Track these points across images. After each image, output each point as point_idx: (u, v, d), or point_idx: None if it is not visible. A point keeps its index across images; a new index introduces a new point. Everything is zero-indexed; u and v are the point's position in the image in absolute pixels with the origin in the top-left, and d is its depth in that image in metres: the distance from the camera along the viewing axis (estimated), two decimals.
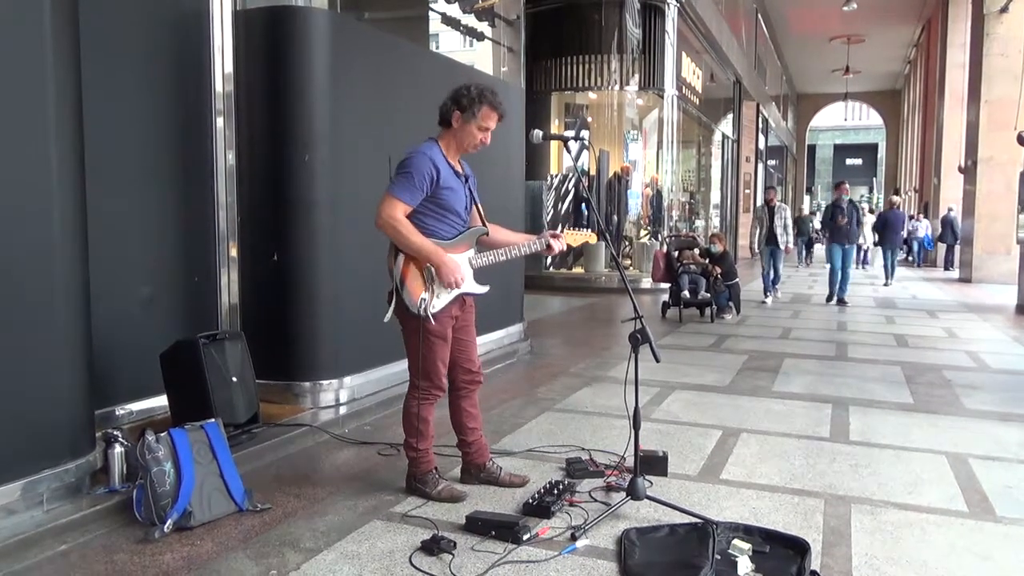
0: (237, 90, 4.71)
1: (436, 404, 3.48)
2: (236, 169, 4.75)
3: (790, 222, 11.65)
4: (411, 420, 3.43)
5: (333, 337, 4.83)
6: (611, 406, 5.15)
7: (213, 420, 3.50)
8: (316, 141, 4.67)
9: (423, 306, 3.29)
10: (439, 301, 3.34)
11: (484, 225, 3.51)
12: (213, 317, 4.70)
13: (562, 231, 3.60)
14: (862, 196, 43.88)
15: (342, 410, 4.78)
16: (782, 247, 11.47)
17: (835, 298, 11.60)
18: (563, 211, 14.30)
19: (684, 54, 15.40)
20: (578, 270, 14.31)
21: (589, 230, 3.63)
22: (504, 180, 6.67)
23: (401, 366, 5.11)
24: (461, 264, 3.36)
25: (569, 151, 3.57)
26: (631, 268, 14.42)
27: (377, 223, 3.24)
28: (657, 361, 3.23)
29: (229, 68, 4.69)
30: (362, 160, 4.96)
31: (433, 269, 3.28)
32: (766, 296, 11.79)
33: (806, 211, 24.69)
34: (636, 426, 3.31)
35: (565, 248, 3.59)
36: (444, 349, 3.41)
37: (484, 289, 3.51)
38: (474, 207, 3.48)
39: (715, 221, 20.95)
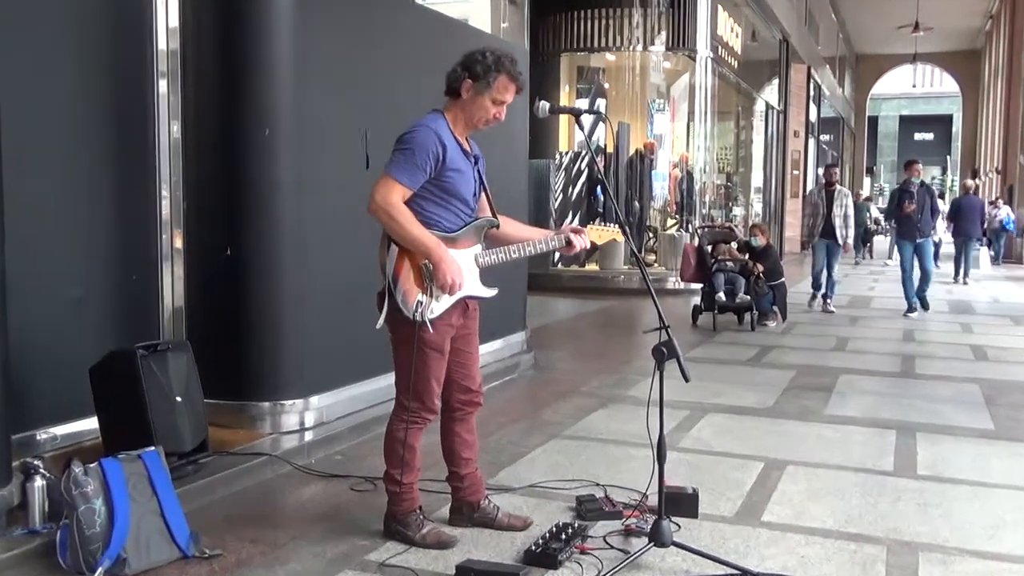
0: (184, 48, 4.71)
1: (426, 430, 3.48)
2: (182, 143, 4.75)
3: (851, 211, 11.21)
4: (395, 447, 3.43)
5: (298, 348, 4.83)
6: (631, 432, 5.15)
7: (153, 448, 3.50)
8: (278, 110, 4.68)
9: (419, 310, 3.30)
10: (438, 305, 3.35)
11: (494, 216, 3.52)
12: (154, 323, 4.70)
13: (588, 227, 3.61)
14: (933, 178, 43.90)
15: (308, 436, 4.78)
16: (840, 240, 11.02)
17: (914, 307, 11.13)
18: (574, 196, 14.34)
19: (720, 7, 15.44)
20: (592, 267, 14.35)
21: (615, 226, 3.63)
22: (504, 159, 6.67)
23: (380, 382, 5.15)
24: (465, 263, 3.38)
25: (581, 127, 3.57)
26: (656, 265, 14.46)
27: (369, 208, 3.25)
28: (686, 380, 3.22)
29: (174, 21, 4.69)
30: (332, 134, 4.96)
31: (431, 266, 3.29)
32: (811, 303, 11.57)
33: (863, 195, 24.65)
34: (661, 457, 3.31)
35: (588, 246, 3.60)
36: (440, 364, 3.42)
37: (491, 292, 3.52)
38: (483, 194, 3.50)
39: (757, 208, 21.00)
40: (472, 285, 3.43)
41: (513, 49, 7.16)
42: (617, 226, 3.63)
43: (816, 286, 11.48)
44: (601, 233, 3.64)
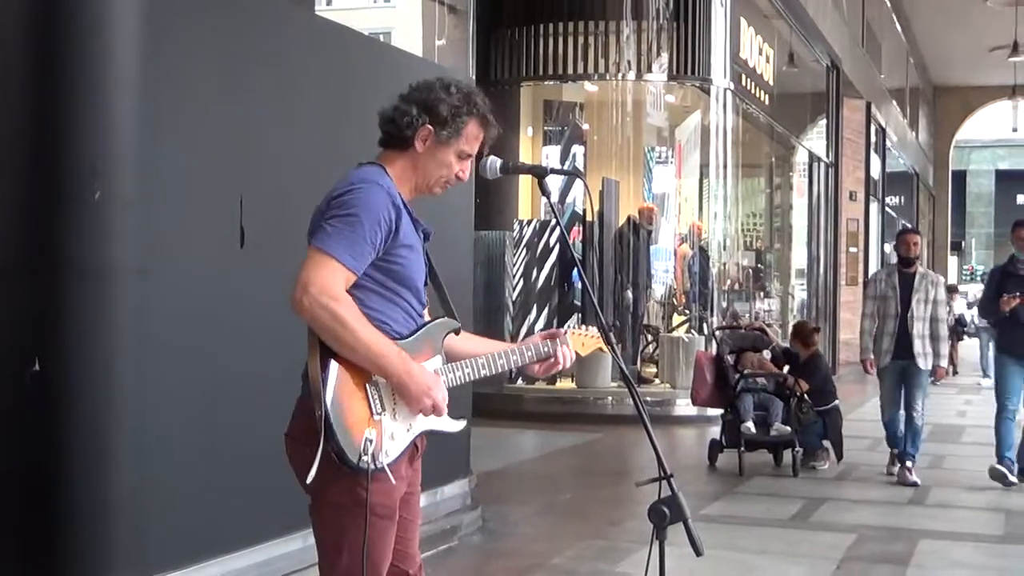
0: None
1: None
2: None
3: (944, 311, 9.60)
4: None
5: (137, 506, 4.74)
6: None
7: None
8: (114, 164, 4.68)
9: (370, 451, 3.14)
10: (395, 444, 3.24)
11: (451, 315, 3.52)
12: None
13: (567, 331, 3.65)
14: None
15: None
16: (925, 363, 9.34)
17: (1012, 469, 9.23)
18: (540, 282, 14.39)
19: (744, 20, 15.82)
20: (565, 384, 14.32)
21: (588, 328, 3.69)
22: (442, 230, 6.69)
23: (261, 554, 5.08)
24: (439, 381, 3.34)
25: (545, 192, 3.63)
26: (657, 382, 14.47)
27: (296, 302, 3.12)
28: (697, 552, 3.22)
29: None
30: (192, 197, 4.97)
31: (387, 386, 3.20)
32: (892, 468, 9.72)
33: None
34: None
35: (573, 360, 3.62)
36: (391, 538, 3.31)
37: (459, 425, 3.49)
38: (431, 283, 3.53)
39: (798, 300, 21.17)
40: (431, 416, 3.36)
41: (445, 74, 7.27)
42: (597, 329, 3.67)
43: (893, 441, 9.72)
44: (584, 340, 3.67)
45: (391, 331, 3.28)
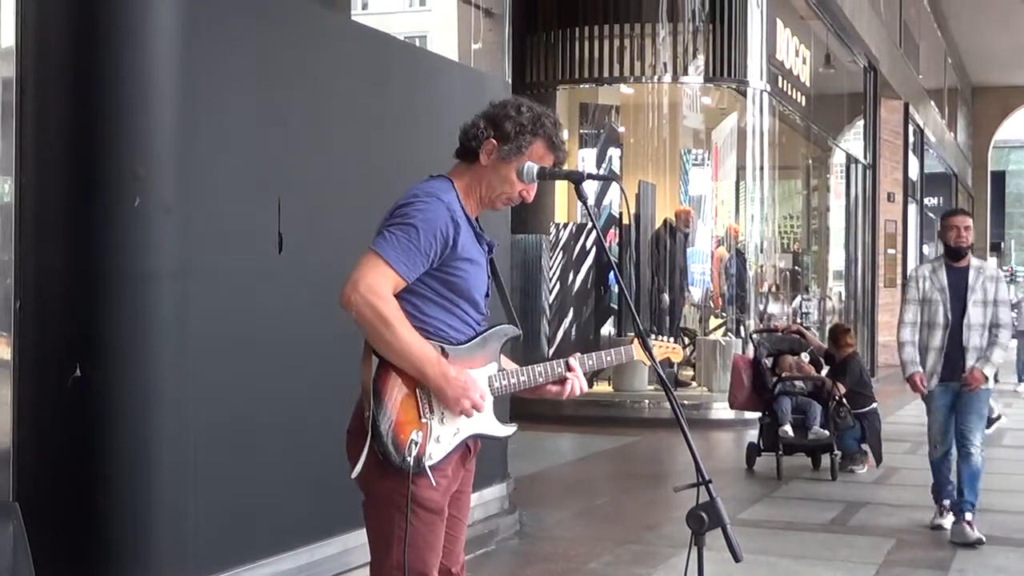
0: (21, 81, 4.74)
1: None
2: (15, 213, 4.76)
3: (1008, 315, 7.51)
4: None
5: (179, 509, 4.77)
6: None
7: None
8: (154, 170, 4.70)
9: (414, 453, 3.29)
10: (439, 447, 3.35)
11: (514, 323, 3.61)
12: None
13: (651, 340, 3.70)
14: None
15: None
16: (990, 382, 7.52)
17: None
18: (577, 285, 14.39)
19: (781, 22, 15.79)
20: (602, 388, 14.32)
21: (671, 339, 3.74)
22: None
23: (304, 557, 5.10)
24: (477, 381, 3.41)
25: (582, 197, 3.66)
26: (694, 385, 14.46)
27: (345, 298, 3.25)
28: (736, 559, 3.20)
29: (7, 40, 4.75)
30: (232, 203, 4.99)
31: (430, 391, 3.33)
32: (943, 516, 7.64)
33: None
34: None
35: (584, 391, 3.65)
36: (440, 532, 3.42)
37: (510, 430, 3.59)
38: (497, 294, 3.63)
39: (836, 302, 21.09)
40: (484, 419, 3.45)
41: (483, 79, 7.26)
42: (672, 339, 3.79)
43: (940, 490, 7.71)
44: (653, 349, 3.68)
45: (448, 338, 3.41)
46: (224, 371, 4.92)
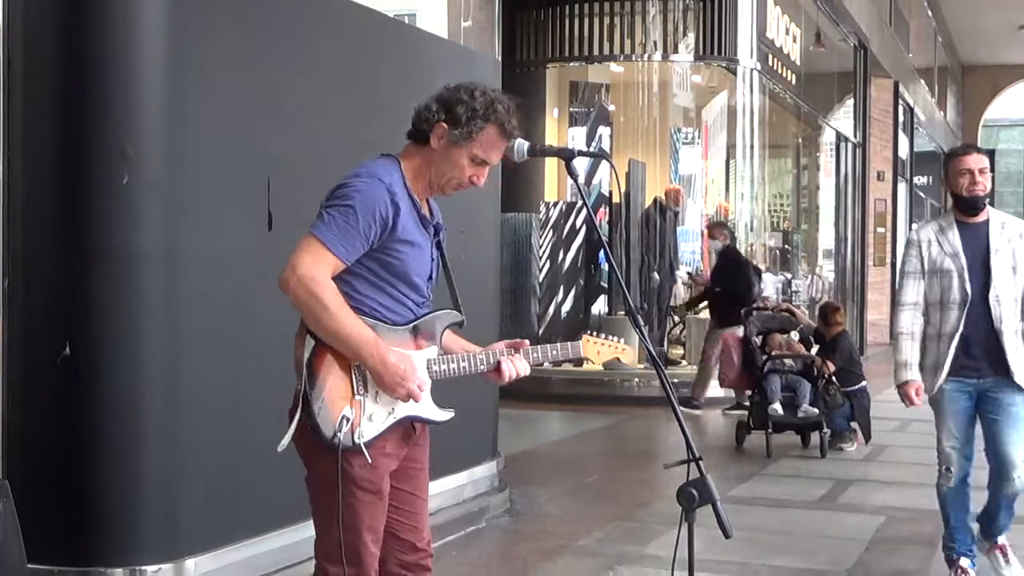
0: (8, 58, 4.73)
1: None
2: (4, 192, 4.75)
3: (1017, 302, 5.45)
4: None
5: (166, 490, 4.79)
6: None
7: None
8: (143, 148, 4.71)
9: (344, 430, 3.29)
10: (372, 425, 3.35)
11: (458, 309, 3.57)
12: None
13: (584, 338, 3.68)
14: None
15: None
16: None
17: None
18: (567, 264, 14.39)
19: (771, 1, 15.77)
20: (592, 367, 14.34)
21: (620, 340, 3.68)
22: (467, 212, 6.70)
23: (288, 537, 5.11)
24: (415, 364, 3.39)
25: (572, 174, 3.65)
26: (684, 363, 14.49)
27: (284, 281, 3.27)
28: (726, 535, 3.23)
29: None
30: (220, 182, 4.99)
31: (365, 370, 3.31)
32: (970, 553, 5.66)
33: None
34: None
35: (517, 376, 3.57)
36: (377, 511, 3.41)
37: (447, 415, 3.53)
38: (439, 277, 3.57)
39: (828, 280, 21.12)
40: (421, 402, 3.43)
41: (473, 57, 7.24)
42: (622, 340, 3.68)
43: (952, 533, 5.66)
44: (600, 348, 3.68)
45: (381, 318, 3.39)
46: (213, 349, 4.92)
